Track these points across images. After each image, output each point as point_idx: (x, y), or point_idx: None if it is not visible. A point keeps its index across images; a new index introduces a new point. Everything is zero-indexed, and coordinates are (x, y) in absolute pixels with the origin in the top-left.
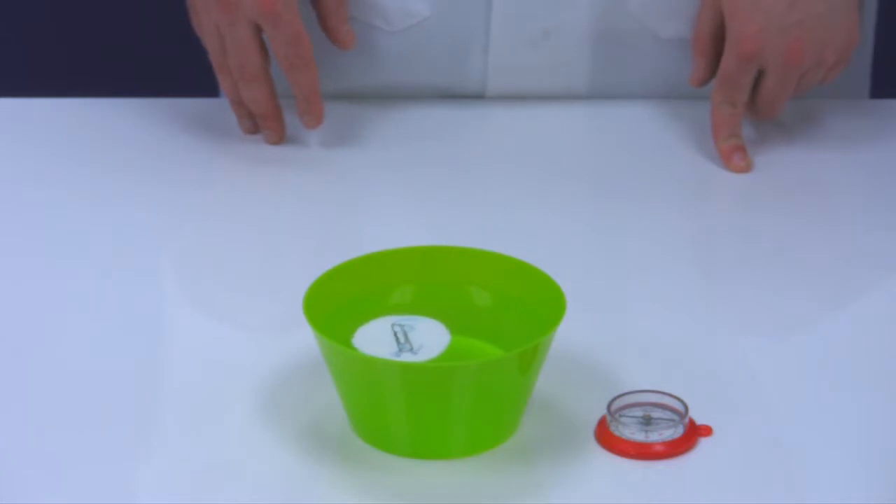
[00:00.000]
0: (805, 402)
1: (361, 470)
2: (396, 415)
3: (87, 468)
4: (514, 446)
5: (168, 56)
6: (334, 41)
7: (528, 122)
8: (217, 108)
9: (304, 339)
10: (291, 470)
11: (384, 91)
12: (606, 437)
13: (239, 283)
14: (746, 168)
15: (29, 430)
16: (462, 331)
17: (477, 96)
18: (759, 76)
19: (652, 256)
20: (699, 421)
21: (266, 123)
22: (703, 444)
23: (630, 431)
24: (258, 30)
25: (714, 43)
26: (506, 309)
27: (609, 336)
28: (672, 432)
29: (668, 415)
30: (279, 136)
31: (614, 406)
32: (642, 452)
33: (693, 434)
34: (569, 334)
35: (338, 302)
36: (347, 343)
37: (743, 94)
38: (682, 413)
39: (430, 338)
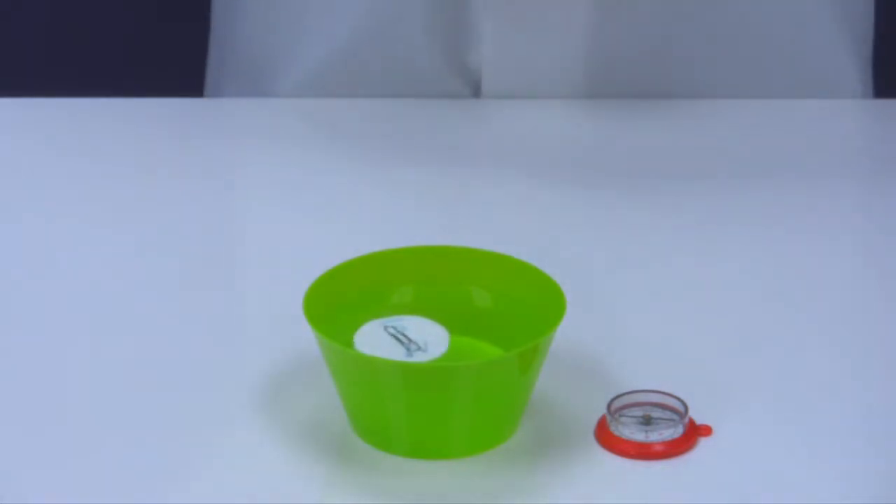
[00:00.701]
0: (805, 402)
1: (361, 470)
2: (396, 415)
3: (85, 468)
4: (514, 446)
5: (168, 56)
6: None
7: (527, 121)
8: (217, 108)
9: (305, 339)
10: (291, 470)
11: (381, 90)
12: (606, 437)
13: (238, 282)
14: None
15: (28, 431)
16: (462, 331)
17: (476, 96)
18: None
19: (652, 256)
20: (699, 421)
21: None
22: (703, 444)
23: (630, 431)
24: None
25: None
26: (506, 309)
27: (609, 336)
28: (672, 432)
29: (667, 415)
30: None
31: (614, 406)
32: (642, 452)
33: (693, 434)
34: (569, 334)
35: (338, 302)
36: (347, 343)
37: None
38: (682, 413)
39: (430, 336)
